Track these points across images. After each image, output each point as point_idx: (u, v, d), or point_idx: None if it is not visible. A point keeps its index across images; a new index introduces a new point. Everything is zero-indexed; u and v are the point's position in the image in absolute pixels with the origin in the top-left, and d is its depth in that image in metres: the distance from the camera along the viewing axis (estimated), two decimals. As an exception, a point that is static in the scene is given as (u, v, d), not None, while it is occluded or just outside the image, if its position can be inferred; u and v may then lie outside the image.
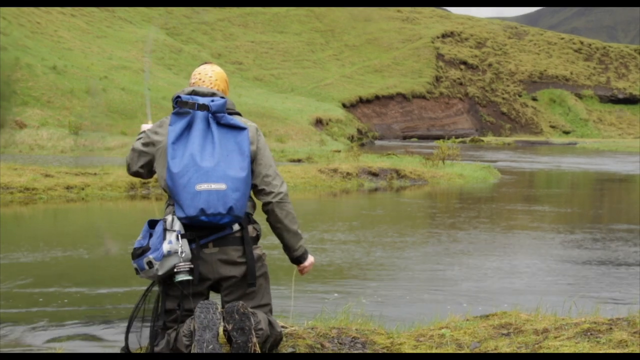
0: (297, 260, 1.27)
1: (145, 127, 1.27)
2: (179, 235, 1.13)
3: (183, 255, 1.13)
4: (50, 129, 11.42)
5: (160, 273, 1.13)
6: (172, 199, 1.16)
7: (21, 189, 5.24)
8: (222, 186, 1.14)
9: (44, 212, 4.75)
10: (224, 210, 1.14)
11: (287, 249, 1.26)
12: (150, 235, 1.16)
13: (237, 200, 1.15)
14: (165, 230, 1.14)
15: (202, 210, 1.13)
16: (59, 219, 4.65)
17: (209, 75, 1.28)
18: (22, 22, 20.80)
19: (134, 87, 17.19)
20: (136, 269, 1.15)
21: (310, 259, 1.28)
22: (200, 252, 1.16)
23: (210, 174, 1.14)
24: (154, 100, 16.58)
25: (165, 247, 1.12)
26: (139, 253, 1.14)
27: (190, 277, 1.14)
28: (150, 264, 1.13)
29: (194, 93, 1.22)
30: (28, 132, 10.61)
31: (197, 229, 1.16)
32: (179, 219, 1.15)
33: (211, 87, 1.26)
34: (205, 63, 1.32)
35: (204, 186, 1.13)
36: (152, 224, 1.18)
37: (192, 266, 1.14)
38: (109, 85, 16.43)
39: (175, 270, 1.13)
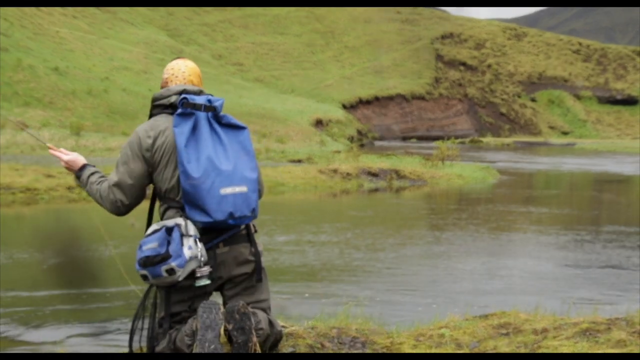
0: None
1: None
2: (197, 239, 1.13)
3: (202, 259, 1.13)
4: (52, 129, 11.37)
5: (181, 279, 1.12)
6: (190, 203, 1.13)
7: (22, 189, 5.24)
8: (244, 188, 1.15)
9: (46, 212, 4.76)
10: (249, 212, 1.16)
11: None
12: (168, 243, 1.12)
13: (256, 200, 1.18)
14: (182, 236, 1.12)
15: (231, 214, 1.13)
16: (60, 219, 4.66)
17: (182, 71, 1.25)
18: (24, 24, 20.82)
19: (135, 88, 17.21)
20: (145, 276, 1.13)
21: None
22: (214, 253, 1.16)
23: (232, 177, 1.14)
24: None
25: (187, 252, 1.11)
26: (158, 261, 1.11)
27: (209, 282, 1.14)
28: (171, 271, 1.11)
29: (185, 92, 1.20)
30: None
31: (208, 231, 1.16)
32: (203, 223, 1.13)
33: (184, 83, 1.24)
34: (178, 58, 1.29)
35: (228, 190, 1.13)
36: (169, 230, 1.14)
37: (211, 270, 1.14)
38: (111, 86, 16.45)
39: (197, 275, 1.12)
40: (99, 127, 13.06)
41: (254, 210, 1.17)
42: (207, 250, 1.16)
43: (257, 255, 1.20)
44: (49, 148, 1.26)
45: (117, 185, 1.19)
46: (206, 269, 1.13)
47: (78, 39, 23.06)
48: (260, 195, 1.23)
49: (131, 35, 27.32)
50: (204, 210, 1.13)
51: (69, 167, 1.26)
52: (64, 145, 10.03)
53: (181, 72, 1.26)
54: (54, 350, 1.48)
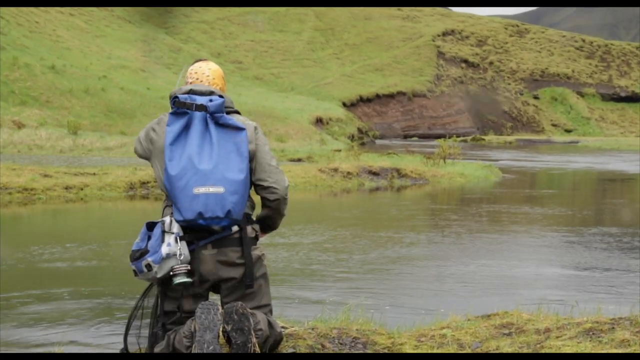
0: (265, 231, 1.28)
1: None
2: (178, 238, 1.12)
3: (182, 257, 1.12)
4: (49, 128, 11.33)
5: (159, 275, 1.12)
6: (171, 201, 1.15)
7: (20, 189, 5.22)
8: (220, 189, 1.13)
9: (43, 212, 4.74)
10: (222, 214, 1.13)
11: (268, 227, 1.28)
12: (149, 238, 1.14)
13: (235, 203, 1.14)
14: (163, 232, 1.13)
15: (200, 214, 1.12)
16: (58, 219, 4.64)
17: (206, 75, 1.26)
18: (20, 22, 20.77)
19: (133, 87, 17.17)
20: (134, 271, 1.14)
21: None
22: (199, 254, 1.15)
23: (209, 177, 1.13)
24: (152, 100, 16.59)
25: (164, 249, 1.11)
26: (138, 256, 1.13)
27: (188, 279, 1.13)
28: (149, 266, 1.11)
29: (191, 92, 1.20)
30: (26, 132, 10.60)
31: (196, 231, 1.15)
32: (177, 221, 1.14)
33: (209, 85, 1.24)
34: (199, 60, 1.29)
35: (201, 189, 1.12)
36: (150, 226, 1.17)
37: (189, 268, 1.13)
38: (108, 84, 16.41)
39: (171, 272, 1.12)
40: (97, 126, 13.04)
41: (229, 212, 1.13)
42: (194, 250, 1.14)
43: (248, 260, 1.17)
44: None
45: (138, 140, 1.23)
46: (183, 267, 1.12)
47: (75, 37, 23.00)
48: (279, 197, 1.19)
49: (129, 33, 27.22)
50: (177, 209, 1.13)
51: None
52: (61, 144, 10.03)
53: (205, 75, 1.26)
54: (53, 350, 1.46)
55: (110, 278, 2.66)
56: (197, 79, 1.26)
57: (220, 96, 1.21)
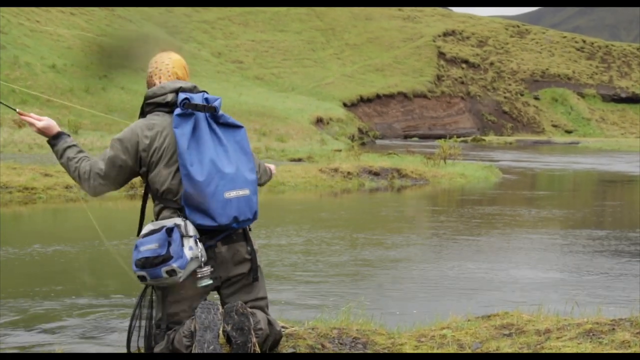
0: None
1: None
2: (197, 240, 1.12)
3: (203, 259, 1.12)
4: (50, 128, 11.40)
5: (182, 280, 1.11)
6: (192, 206, 1.11)
7: (20, 188, 5.21)
8: (246, 192, 1.15)
9: (43, 211, 4.74)
10: (252, 215, 1.17)
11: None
12: (169, 244, 1.11)
13: (257, 203, 1.18)
14: (182, 236, 1.11)
15: (235, 218, 1.13)
16: (59, 218, 4.64)
17: (165, 64, 1.23)
18: (21, 21, 20.77)
19: (134, 87, 17.15)
20: (143, 277, 1.12)
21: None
22: (213, 253, 1.16)
23: (235, 180, 1.14)
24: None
25: (188, 253, 1.10)
26: (158, 262, 1.10)
27: (211, 282, 1.13)
28: (172, 272, 1.10)
29: (181, 90, 1.18)
30: (27, 131, 10.61)
31: (206, 231, 1.15)
32: (207, 227, 1.13)
33: (169, 77, 1.21)
34: (162, 51, 1.27)
35: (232, 194, 1.13)
36: (169, 231, 1.13)
37: (212, 269, 1.14)
38: (109, 84, 16.41)
39: (198, 275, 1.12)
40: (97, 125, 13.05)
41: (255, 213, 1.17)
42: (206, 249, 1.14)
43: (253, 253, 1.19)
44: (19, 114, 1.22)
45: (102, 176, 1.17)
46: (207, 269, 1.12)
47: (76, 36, 22.98)
48: (262, 182, 1.25)
49: (129, 33, 27.17)
50: (208, 214, 1.12)
51: (42, 133, 1.21)
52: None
53: (165, 65, 1.23)
54: (53, 350, 1.46)
55: (110, 277, 2.66)
56: (157, 67, 1.22)
57: (203, 91, 1.19)
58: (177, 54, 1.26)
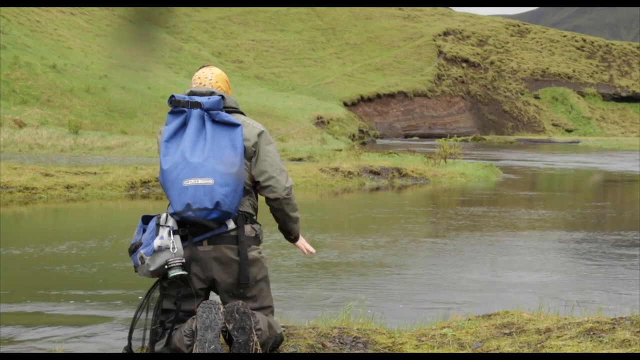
0: (292, 240, 1.32)
1: None
2: (171, 231, 1.12)
3: (175, 251, 1.11)
4: (50, 128, 11.34)
5: (151, 269, 1.12)
6: (166, 195, 1.16)
7: (21, 188, 5.22)
8: (209, 181, 1.12)
9: (44, 211, 4.75)
10: (211, 205, 1.12)
11: (286, 232, 1.29)
12: (144, 231, 1.16)
13: (225, 195, 1.13)
14: (158, 225, 1.13)
15: (188, 205, 1.12)
16: (59, 218, 4.65)
17: (208, 78, 1.28)
18: (21, 21, 20.78)
19: (134, 86, 17.17)
20: (134, 266, 1.16)
21: (301, 239, 1.32)
22: (194, 250, 1.15)
23: (198, 169, 1.13)
24: (153, 99, 16.61)
25: (157, 242, 1.11)
26: (133, 249, 1.15)
27: (183, 272, 1.12)
28: (142, 259, 1.12)
29: (191, 93, 1.23)
30: (27, 131, 10.63)
31: (191, 226, 1.15)
32: (171, 215, 1.14)
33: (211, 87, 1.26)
34: (204, 66, 1.32)
35: (191, 181, 1.12)
36: (146, 219, 1.18)
37: (183, 261, 1.13)
38: (109, 84, 16.42)
39: (167, 266, 1.11)
40: (98, 125, 13.05)
41: (218, 204, 1.12)
42: (189, 246, 1.14)
43: (243, 259, 1.16)
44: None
45: None
46: (177, 260, 1.11)
47: (76, 36, 23.01)
48: (278, 196, 1.19)
49: (130, 33, 27.09)
50: (171, 202, 1.14)
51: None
52: (62, 143, 10.04)
53: (207, 79, 1.28)
54: (53, 350, 1.46)
55: (110, 277, 2.66)
56: (201, 83, 1.28)
57: (222, 97, 1.22)
58: (218, 68, 1.32)
